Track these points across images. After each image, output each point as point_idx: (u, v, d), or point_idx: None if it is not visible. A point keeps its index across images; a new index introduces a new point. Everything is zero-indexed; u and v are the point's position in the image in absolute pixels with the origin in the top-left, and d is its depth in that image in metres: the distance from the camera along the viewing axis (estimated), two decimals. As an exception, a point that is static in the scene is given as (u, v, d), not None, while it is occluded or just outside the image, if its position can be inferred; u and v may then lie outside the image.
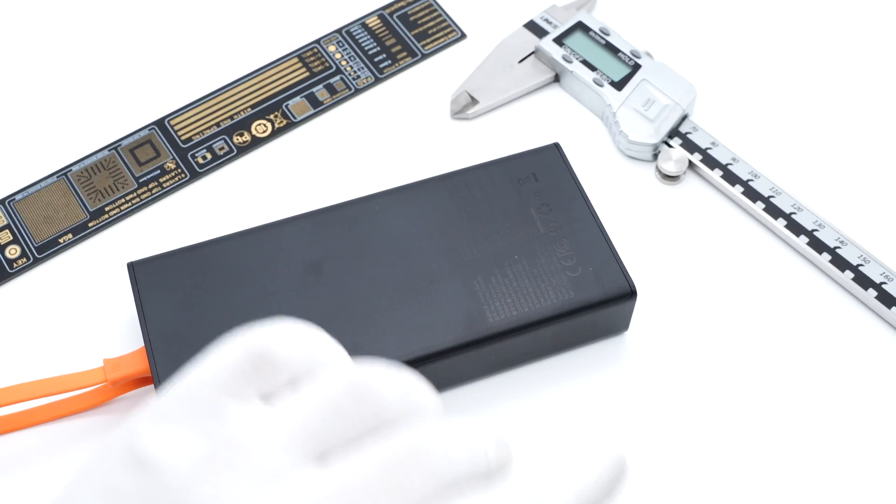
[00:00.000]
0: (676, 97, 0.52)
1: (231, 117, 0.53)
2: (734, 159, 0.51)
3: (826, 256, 0.48)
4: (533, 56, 0.54)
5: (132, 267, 0.45)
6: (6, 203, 0.50)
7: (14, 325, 0.47)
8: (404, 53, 0.55)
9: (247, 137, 0.52)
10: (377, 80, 0.54)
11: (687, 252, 0.49)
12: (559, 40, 0.54)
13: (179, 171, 0.51)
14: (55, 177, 0.51)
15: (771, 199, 0.50)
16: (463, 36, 0.56)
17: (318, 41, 0.56)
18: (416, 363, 0.42)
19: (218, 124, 0.53)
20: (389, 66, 0.55)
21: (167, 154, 0.52)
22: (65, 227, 0.50)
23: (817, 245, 0.48)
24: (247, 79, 0.54)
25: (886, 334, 0.47)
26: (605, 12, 0.57)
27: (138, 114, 0.53)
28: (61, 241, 0.49)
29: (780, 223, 0.49)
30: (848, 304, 0.48)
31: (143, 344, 0.43)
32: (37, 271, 0.49)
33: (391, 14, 0.56)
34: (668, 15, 0.57)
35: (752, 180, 0.50)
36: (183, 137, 0.52)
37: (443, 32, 0.56)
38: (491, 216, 0.46)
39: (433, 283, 0.44)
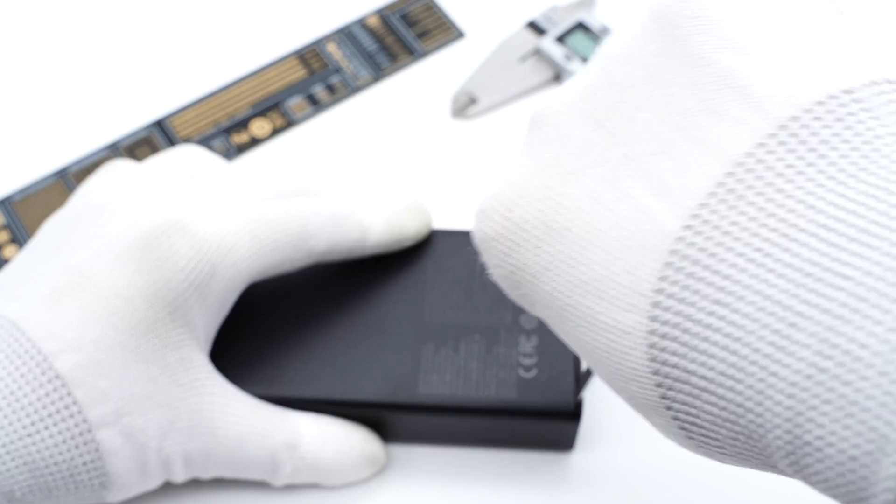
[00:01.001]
0: (677, 97, 0.52)
1: (230, 117, 0.53)
2: (735, 159, 0.50)
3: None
4: (533, 56, 0.54)
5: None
6: (4, 203, 0.50)
7: (11, 325, 0.47)
8: (404, 53, 0.55)
9: (246, 137, 0.52)
10: (377, 80, 0.54)
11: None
12: (560, 40, 0.54)
13: (178, 170, 0.51)
14: (54, 177, 0.51)
15: (772, 199, 0.49)
16: (463, 35, 0.56)
17: (317, 41, 0.55)
18: (335, 405, 0.41)
19: (217, 124, 0.53)
20: (389, 65, 0.55)
21: (166, 154, 0.52)
22: (63, 226, 0.49)
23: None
24: (246, 78, 0.54)
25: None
26: (605, 12, 0.56)
27: (137, 113, 0.53)
28: (59, 240, 0.49)
29: (782, 223, 0.49)
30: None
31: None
32: (35, 271, 0.48)
33: (391, 14, 0.56)
34: (669, 14, 0.57)
35: (753, 180, 0.50)
36: (182, 137, 0.52)
37: (442, 32, 0.56)
38: (472, 288, 0.43)
39: (384, 334, 0.42)
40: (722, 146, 0.26)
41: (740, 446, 0.26)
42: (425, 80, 0.54)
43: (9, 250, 0.49)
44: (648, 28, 0.29)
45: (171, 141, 0.52)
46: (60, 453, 0.35)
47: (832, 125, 0.25)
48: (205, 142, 0.52)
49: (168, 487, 0.41)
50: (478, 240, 0.31)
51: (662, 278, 0.26)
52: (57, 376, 0.35)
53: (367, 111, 0.53)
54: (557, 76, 0.54)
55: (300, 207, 0.40)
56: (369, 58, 0.55)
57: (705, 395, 0.25)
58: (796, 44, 0.26)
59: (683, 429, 0.27)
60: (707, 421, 0.26)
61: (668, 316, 0.25)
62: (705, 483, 0.43)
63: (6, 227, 0.49)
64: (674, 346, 0.25)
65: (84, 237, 0.38)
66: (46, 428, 0.35)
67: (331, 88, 0.54)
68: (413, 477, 0.43)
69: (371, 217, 0.42)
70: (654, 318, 0.26)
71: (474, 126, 0.53)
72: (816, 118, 0.25)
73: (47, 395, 0.35)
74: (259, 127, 0.53)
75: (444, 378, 0.41)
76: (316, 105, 0.53)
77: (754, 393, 0.24)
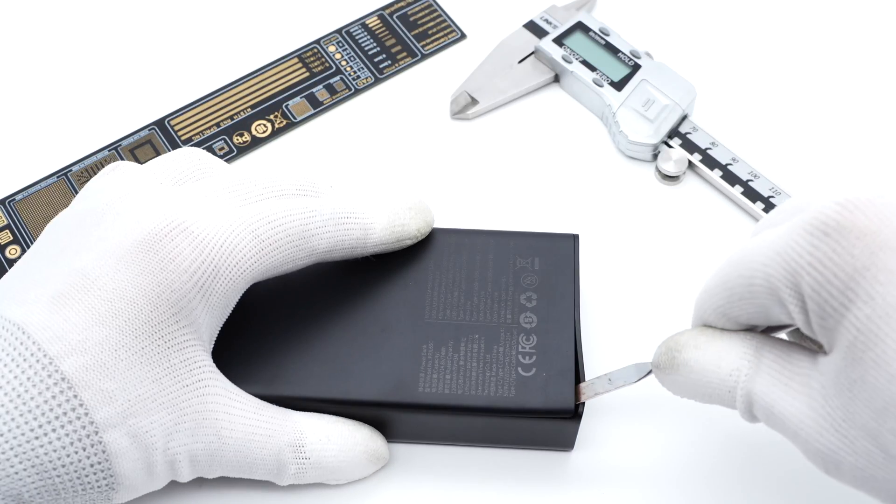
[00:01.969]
0: (676, 97, 0.52)
1: (231, 117, 0.53)
2: (734, 159, 0.51)
3: (826, 256, 0.48)
4: (533, 56, 0.54)
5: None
6: (6, 203, 0.50)
7: (14, 325, 0.47)
8: (404, 54, 0.55)
9: (247, 138, 0.53)
10: (377, 81, 0.54)
11: (687, 252, 0.49)
12: (559, 40, 0.54)
13: (180, 171, 0.51)
14: (55, 177, 0.51)
15: (771, 200, 0.50)
16: (463, 36, 0.56)
17: (318, 41, 0.56)
18: (335, 405, 0.41)
19: (218, 124, 0.53)
20: (389, 66, 0.55)
21: (167, 154, 0.52)
22: (65, 227, 0.50)
23: (817, 245, 0.48)
24: (247, 79, 0.54)
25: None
26: (605, 12, 0.57)
27: (138, 114, 0.53)
28: (62, 241, 0.49)
29: (780, 223, 0.49)
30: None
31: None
32: (37, 271, 0.49)
33: (391, 14, 0.56)
34: (667, 15, 0.57)
35: (751, 180, 0.50)
36: (183, 137, 0.52)
37: (443, 33, 0.56)
38: (473, 287, 0.43)
39: (384, 333, 0.42)
40: None
41: None
42: (425, 81, 0.54)
43: (11, 250, 0.49)
44: None
45: (172, 141, 0.52)
46: (68, 455, 0.35)
47: None
48: (206, 142, 0.52)
49: (174, 487, 0.41)
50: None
51: None
52: (63, 378, 0.35)
53: (368, 112, 0.53)
54: (557, 77, 0.54)
55: (302, 207, 0.40)
56: (370, 58, 0.55)
57: None
58: None
59: None
60: None
61: None
62: (705, 483, 0.43)
63: (8, 227, 0.50)
64: None
65: (87, 240, 0.38)
66: (53, 430, 0.35)
67: (331, 89, 0.54)
68: (413, 476, 0.43)
69: (372, 216, 0.42)
70: None
71: (474, 126, 0.53)
72: None
73: (54, 397, 0.35)
74: (259, 127, 0.53)
75: (444, 377, 0.41)
76: (316, 106, 0.54)
77: None
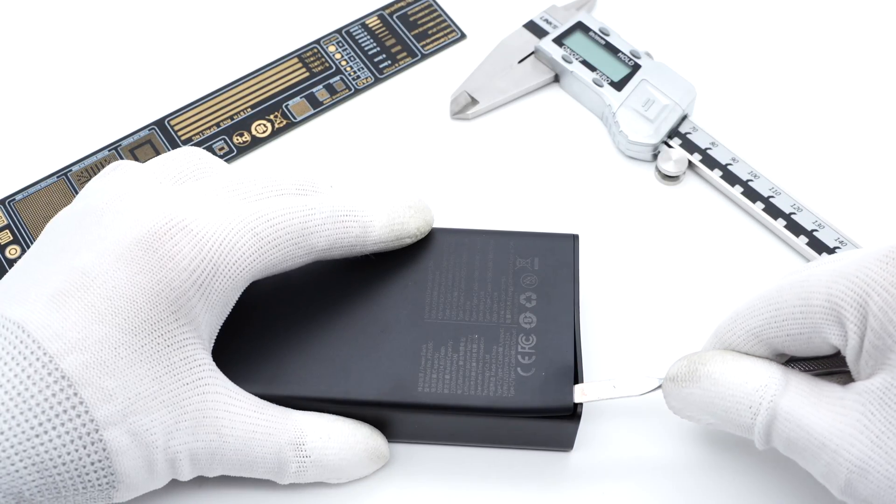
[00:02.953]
0: (676, 97, 0.52)
1: (231, 117, 0.53)
2: (734, 159, 0.51)
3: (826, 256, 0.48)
4: (533, 56, 0.54)
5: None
6: (6, 203, 0.50)
7: (14, 325, 0.47)
8: (404, 54, 0.55)
9: (247, 138, 0.53)
10: (377, 81, 0.54)
11: (686, 252, 0.49)
12: (559, 40, 0.54)
13: (179, 171, 0.51)
14: (55, 177, 0.51)
15: (771, 200, 0.50)
16: (463, 36, 0.56)
17: (318, 41, 0.56)
18: (335, 404, 0.41)
19: (218, 124, 0.53)
20: (389, 66, 0.55)
21: (167, 154, 0.52)
22: (65, 227, 0.50)
23: (817, 245, 0.48)
24: (247, 79, 0.54)
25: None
26: (605, 12, 0.57)
27: (138, 114, 0.53)
28: (61, 241, 0.49)
29: (780, 223, 0.49)
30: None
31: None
32: (37, 271, 0.49)
33: (391, 14, 0.57)
34: (667, 15, 0.57)
35: (751, 180, 0.50)
36: (183, 138, 0.52)
37: (443, 33, 0.56)
38: (473, 287, 0.43)
39: (384, 333, 0.42)
40: None
41: None
42: (425, 81, 0.54)
43: (11, 250, 0.49)
44: None
45: (172, 141, 0.52)
46: (68, 453, 0.35)
47: None
48: (206, 142, 0.52)
49: (174, 487, 0.41)
50: None
51: None
52: (63, 377, 0.35)
53: (368, 112, 0.54)
54: (557, 77, 0.54)
55: (301, 205, 0.40)
56: (369, 58, 0.55)
57: None
58: None
59: None
60: None
61: None
62: (705, 483, 0.43)
63: (8, 227, 0.50)
64: None
65: (87, 239, 0.38)
66: (54, 428, 0.35)
67: (331, 89, 0.54)
68: (413, 476, 0.43)
69: (372, 214, 0.42)
70: None
71: (474, 126, 0.53)
72: None
73: (54, 395, 0.35)
74: (259, 127, 0.53)
75: (443, 377, 0.41)
76: (316, 106, 0.54)
77: None
